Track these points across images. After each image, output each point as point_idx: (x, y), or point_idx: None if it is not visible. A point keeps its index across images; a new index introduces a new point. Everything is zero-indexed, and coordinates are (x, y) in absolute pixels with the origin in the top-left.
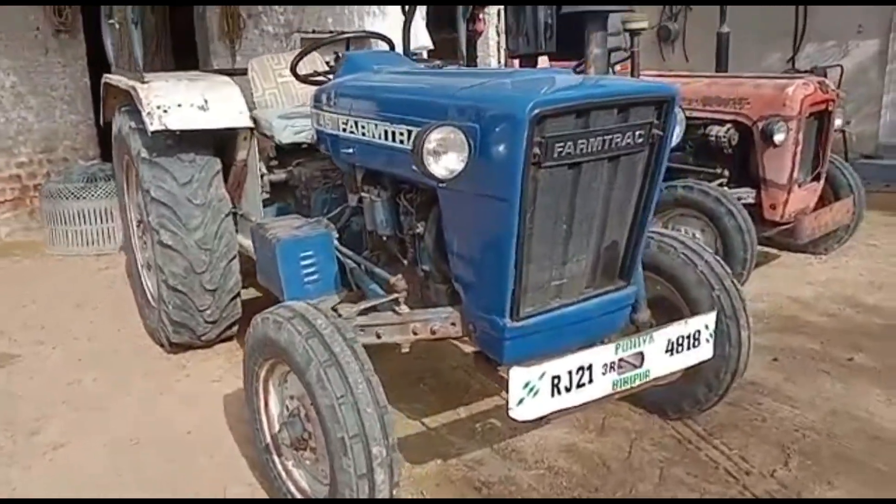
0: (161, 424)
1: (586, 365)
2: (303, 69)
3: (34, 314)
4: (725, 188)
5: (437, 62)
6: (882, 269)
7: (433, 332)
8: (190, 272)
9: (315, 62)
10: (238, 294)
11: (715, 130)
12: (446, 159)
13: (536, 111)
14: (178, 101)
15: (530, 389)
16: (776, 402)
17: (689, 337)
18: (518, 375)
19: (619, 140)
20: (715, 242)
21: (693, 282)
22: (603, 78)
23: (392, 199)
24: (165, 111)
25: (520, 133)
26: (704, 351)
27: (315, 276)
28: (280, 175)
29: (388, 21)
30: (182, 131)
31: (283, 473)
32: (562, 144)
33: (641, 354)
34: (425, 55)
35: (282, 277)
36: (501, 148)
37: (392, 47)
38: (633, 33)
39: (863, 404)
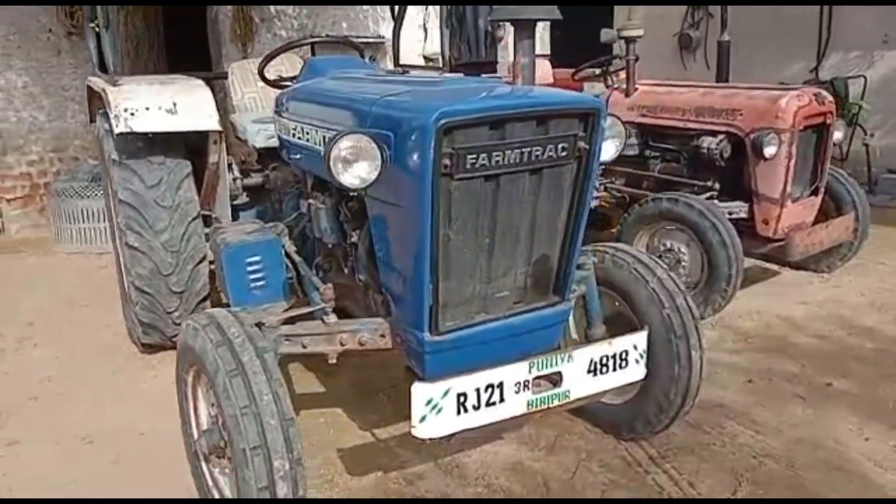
0: (118, 425)
1: (496, 383)
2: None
3: (27, 310)
4: (715, 201)
5: (401, 69)
6: (885, 290)
7: (361, 344)
8: (156, 274)
9: (287, 66)
10: (207, 296)
11: (707, 142)
12: (357, 168)
13: (443, 121)
14: (146, 104)
15: (433, 407)
16: (740, 427)
17: (613, 357)
18: (420, 392)
19: (538, 153)
20: (701, 258)
21: (644, 298)
22: (523, 89)
23: (335, 206)
24: (132, 114)
25: (427, 143)
26: (633, 372)
27: (262, 283)
28: (256, 179)
29: (404, 25)
30: (152, 134)
31: (210, 481)
32: (474, 156)
33: (560, 374)
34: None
35: (227, 282)
36: (411, 158)
37: (361, 54)
38: (629, 41)
39: (832, 433)
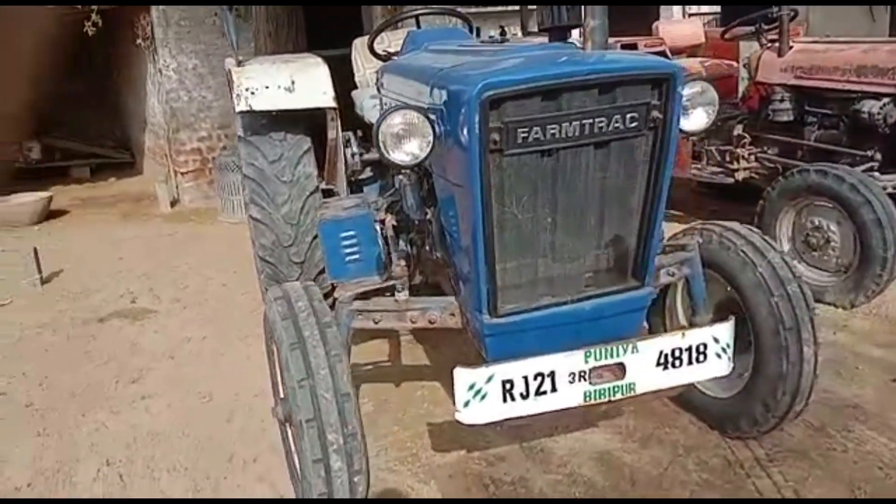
0: (237, 386)
1: (546, 371)
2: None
3: (184, 275)
4: (876, 173)
5: (500, 37)
6: None
7: (431, 322)
8: (278, 245)
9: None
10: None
11: (868, 105)
12: (409, 145)
13: (487, 93)
14: (266, 83)
15: (476, 392)
16: (870, 431)
17: (688, 350)
18: (462, 377)
19: (602, 124)
20: (853, 238)
21: (751, 284)
22: (586, 55)
23: (419, 182)
24: (253, 93)
25: (472, 117)
26: (714, 367)
27: (356, 256)
28: (375, 154)
29: None
30: (275, 112)
31: (291, 445)
32: (526, 129)
33: (623, 365)
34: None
35: (325, 256)
36: (460, 133)
37: (469, 24)
38: None
39: None
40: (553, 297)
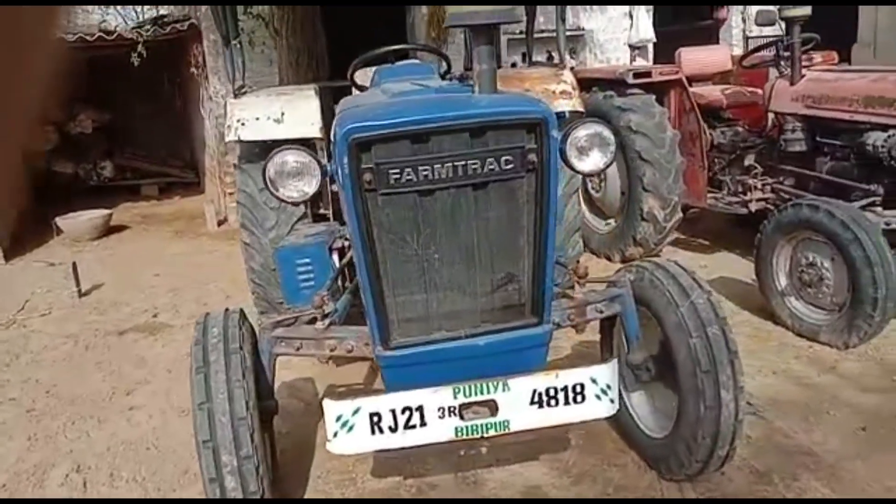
0: None
1: (415, 406)
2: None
3: (209, 293)
4: (878, 209)
5: (453, 77)
6: None
7: (348, 351)
8: (266, 268)
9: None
10: None
11: (873, 138)
12: (296, 183)
13: (353, 136)
14: (256, 115)
15: (344, 423)
16: (816, 482)
17: (563, 390)
18: (330, 408)
19: (476, 166)
20: (846, 276)
21: (672, 325)
22: (458, 99)
23: None
24: (243, 124)
25: (341, 158)
26: (593, 408)
27: (311, 283)
28: None
29: (605, 16)
30: (269, 141)
31: None
32: (397, 171)
33: (494, 402)
34: (650, 48)
35: (281, 282)
36: (337, 173)
37: (447, 61)
38: (790, 22)
39: None
40: (448, 332)
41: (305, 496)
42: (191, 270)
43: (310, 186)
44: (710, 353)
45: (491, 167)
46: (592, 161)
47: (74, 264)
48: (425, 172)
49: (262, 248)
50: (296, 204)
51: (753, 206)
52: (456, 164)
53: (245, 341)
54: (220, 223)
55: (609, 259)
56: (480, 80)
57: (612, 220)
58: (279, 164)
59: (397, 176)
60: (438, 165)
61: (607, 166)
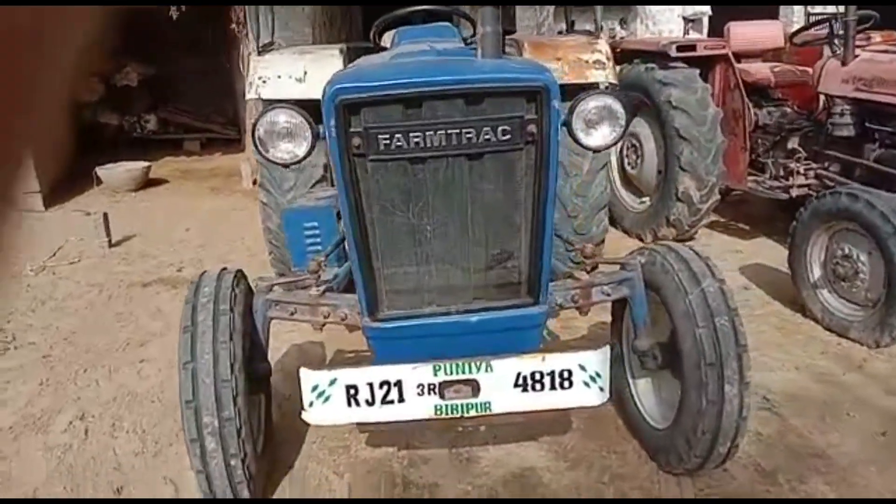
0: None
1: (393, 381)
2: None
3: (234, 250)
4: None
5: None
6: None
7: (342, 319)
8: (282, 228)
9: None
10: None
11: None
12: (286, 145)
13: (340, 98)
14: (278, 73)
15: (320, 394)
16: (825, 486)
17: (550, 375)
18: (307, 377)
19: (470, 135)
20: (883, 271)
21: (681, 313)
22: (457, 62)
23: None
24: (264, 81)
25: (329, 121)
26: (581, 396)
27: (318, 247)
28: None
29: None
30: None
31: None
32: (387, 136)
33: (476, 382)
34: (705, 21)
35: (287, 244)
36: (326, 136)
37: (472, 24)
38: None
39: None
40: (438, 307)
41: (297, 461)
42: (221, 227)
43: (300, 148)
44: (716, 346)
45: (487, 137)
46: (600, 136)
47: (106, 215)
48: (417, 139)
49: (278, 208)
50: (286, 166)
51: (795, 192)
52: (450, 131)
53: (237, 303)
54: (255, 182)
55: (641, 239)
56: (483, 43)
57: (647, 199)
58: (269, 124)
59: (387, 141)
60: (431, 132)
61: (616, 142)
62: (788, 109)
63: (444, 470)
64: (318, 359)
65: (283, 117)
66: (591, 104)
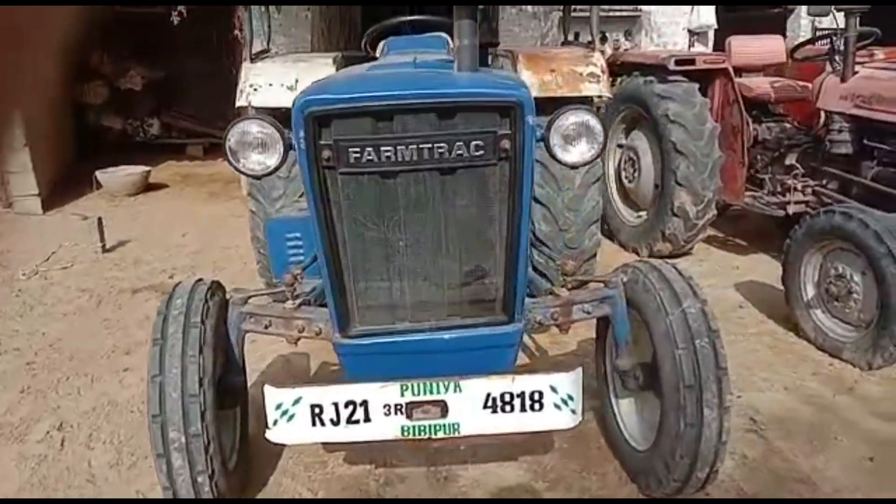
0: None
1: (359, 400)
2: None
3: (227, 257)
4: None
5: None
6: None
7: (317, 333)
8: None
9: None
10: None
11: None
12: (257, 156)
13: (309, 109)
14: (270, 81)
15: (284, 413)
16: None
17: (520, 396)
18: (271, 396)
19: (442, 150)
20: (876, 292)
21: (661, 333)
22: (428, 76)
23: None
24: (255, 89)
25: (299, 133)
26: (552, 419)
27: (301, 258)
28: None
29: None
30: (269, 108)
31: None
32: (357, 150)
33: (444, 403)
34: (711, 34)
35: (269, 254)
36: (296, 148)
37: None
38: (847, 14)
39: None
40: (411, 323)
41: (272, 477)
42: (217, 233)
43: (272, 159)
44: (695, 368)
45: (459, 152)
46: (578, 152)
47: (100, 219)
48: (387, 153)
49: (266, 217)
50: (257, 178)
51: (792, 209)
52: (421, 146)
53: (210, 315)
54: None
55: (637, 253)
56: (460, 56)
57: (643, 213)
58: (241, 134)
59: (357, 155)
60: (402, 147)
61: (594, 159)
62: (788, 125)
63: (420, 489)
64: (303, 371)
65: (254, 128)
66: (569, 120)
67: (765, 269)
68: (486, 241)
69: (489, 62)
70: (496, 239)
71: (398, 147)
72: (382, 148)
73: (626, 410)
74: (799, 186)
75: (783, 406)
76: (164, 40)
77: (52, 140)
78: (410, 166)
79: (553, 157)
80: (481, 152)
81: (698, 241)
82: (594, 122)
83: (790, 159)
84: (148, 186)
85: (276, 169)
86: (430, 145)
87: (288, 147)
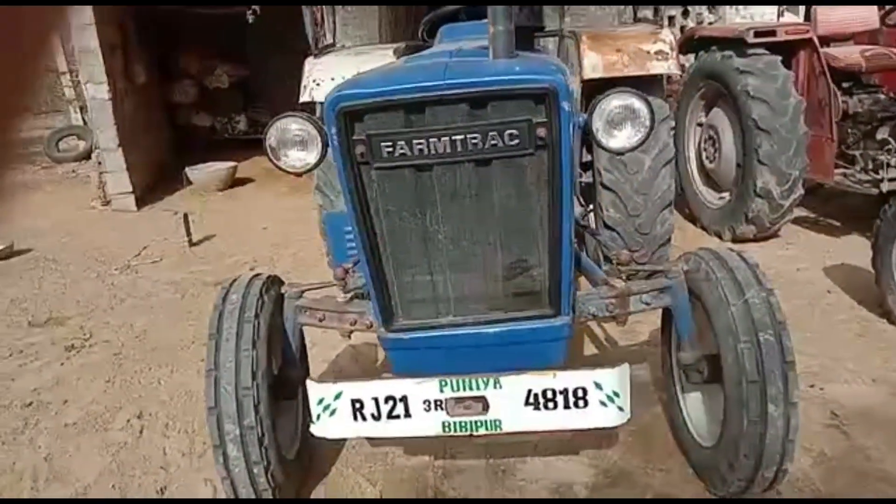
0: None
1: (398, 396)
2: None
3: (305, 248)
4: None
5: None
6: None
7: (368, 327)
8: None
9: None
10: None
11: None
12: (297, 153)
13: (341, 105)
14: (332, 75)
15: (325, 407)
16: None
17: (563, 393)
18: (313, 390)
19: (476, 141)
20: None
21: (723, 325)
22: (462, 65)
23: None
24: (318, 84)
25: (331, 129)
26: (597, 416)
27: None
28: None
29: None
30: None
31: None
32: (389, 143)
33: (485, 399)
34: (801, 7)
35: (329, 244)
36: (331, 144)
37: None
38: None
39: None
40: (455, 317)
41: (333, 467)
42: (296, 226)
43: (311, 156)
44: (759, 362)
45: (493, 142)
46: (623, 137)
47: (186, 215)
48: (420, 146)
49: (333, 209)
50: (298, 174)
51: (886, 187)
52: (454, 137)
53: (264, 310)
54: None
55: (720, 237)
56: (494, 43)
57: (725, 195)
58: (281, 132)
59: (390, 149)
60: (434, 139)
61: (641, 144)
62: (882, 96)
63: (478, 482)
64: (370, 362)
65: (294, 125)
66: (612, 103)
67: (858, 251)
68: (527, 233)
69: (534, 46)
70: (538, 230)
71: (430, 140)
72: (415, 141)
73: (692, 404)
74: (893, 162)
75: (869, 400)
76: (246, 39)
77: (146, 140)
78: (444, 159)
79: (597, 143)
80: (516, 142)
81: (785, 223)
82: (639, 105)
83: (883, 133)
84: (235, 181)
85: (316, 165)
86: (462, 136)
87: (326, 143)
